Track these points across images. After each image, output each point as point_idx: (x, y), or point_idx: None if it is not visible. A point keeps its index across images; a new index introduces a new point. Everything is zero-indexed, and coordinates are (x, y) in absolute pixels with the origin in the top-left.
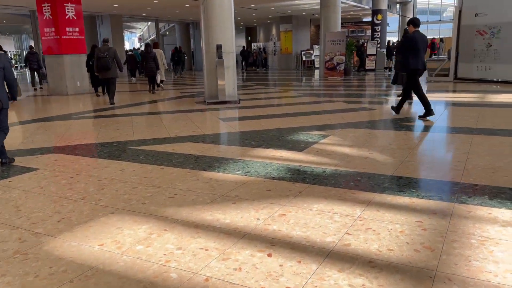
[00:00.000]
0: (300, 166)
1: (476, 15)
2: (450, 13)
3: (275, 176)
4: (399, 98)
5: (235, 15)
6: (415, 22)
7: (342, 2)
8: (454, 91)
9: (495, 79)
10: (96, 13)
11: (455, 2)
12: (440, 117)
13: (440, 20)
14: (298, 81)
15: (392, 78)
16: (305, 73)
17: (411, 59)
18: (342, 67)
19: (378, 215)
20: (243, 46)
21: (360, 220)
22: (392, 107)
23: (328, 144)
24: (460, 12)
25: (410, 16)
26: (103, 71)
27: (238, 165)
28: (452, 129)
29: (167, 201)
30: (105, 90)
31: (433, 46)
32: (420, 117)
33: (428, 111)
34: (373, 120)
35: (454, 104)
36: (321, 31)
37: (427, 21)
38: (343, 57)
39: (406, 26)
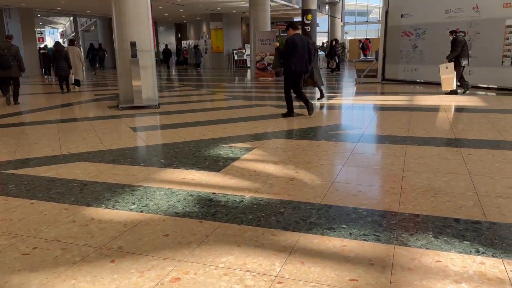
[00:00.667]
0: (213, 194)
1: (402, 16)
2: (376, 14)
3: (179, 211)
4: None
5: (161, 10)
6: (293, 25)
7: (272, 1)
8: (383, 93)
9: (421, 80)
10: (2, 6)
11: (381, 3)
12: (370, 124)
13: (367, 21)
14: (228, 82)
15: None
16: (236, 73)
17: (291, 62)
18: (270, 68)
19: (302, 272)
20: (166, 45)
21: (279, 283)
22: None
23: (251, 160)
24: (387, 12)
25: (339, 16)
26: (2, 69)
27: (135, 196)
28: (384, 138)
29: (18, 261)
30: (3, 91)
31: (364, 47)
32: (282, 115)
33: (290, 111)
34: (302, 129)
35: (383, 108)
36: (251, 30)
37: (355, 22)
38: (273, 57)
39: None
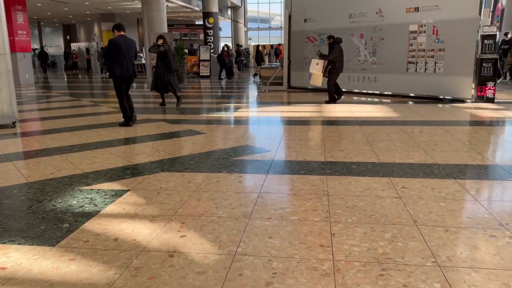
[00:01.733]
0: None
1: (305, 20)
2: (278, 22)
3: None
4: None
5: (41, 8)
6: (119, 27)
7: (169, 1)
8: (290, 103)
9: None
10: None
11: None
12: (280, 145)
13: (270, 27)
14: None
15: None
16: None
17: (115, 65)
18: None
19: None
20: (42, 47)
21: None
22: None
23: (115, 215)
24: (290, 17)
25: (241, 21)
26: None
27: None
28: (299, 166)
29: None
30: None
31: (277, 52)
32: (120, 124)
33: (127, 120)
34: (199, 154)
35: (292, 121)
36: (145, 32)
37: (258, 27)
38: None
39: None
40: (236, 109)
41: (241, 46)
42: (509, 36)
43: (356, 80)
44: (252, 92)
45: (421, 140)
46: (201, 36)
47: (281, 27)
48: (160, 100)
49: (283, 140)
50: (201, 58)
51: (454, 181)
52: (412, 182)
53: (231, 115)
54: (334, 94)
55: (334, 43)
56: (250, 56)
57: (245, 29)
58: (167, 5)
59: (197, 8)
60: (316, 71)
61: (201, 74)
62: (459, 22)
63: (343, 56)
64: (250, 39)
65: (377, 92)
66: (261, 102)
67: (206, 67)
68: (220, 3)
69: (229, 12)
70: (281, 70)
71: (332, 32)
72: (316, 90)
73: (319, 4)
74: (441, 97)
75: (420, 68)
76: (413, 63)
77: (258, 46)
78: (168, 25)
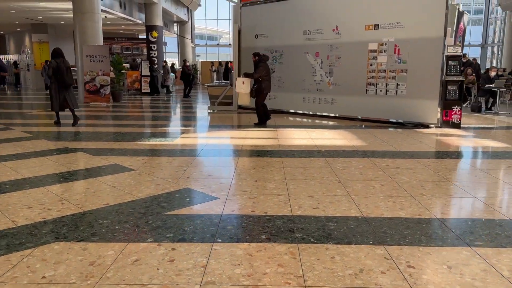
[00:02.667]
0: None
1: (256, 36)
2: (226, 39)
3: None
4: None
5: None
6: None
7: (107, 12)
8: (240, 127)
9: (282, 109)
10: None
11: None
12: (231, 189)
13: (218, 44)
14: (44, 109)
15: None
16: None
17: None
18: (108, 90)
19: None
20: None
21: None
22: None
23: None
24: (239, 32)
25: (188, 37)
26: None
27: None
28: (258, 226)
29: None
30: None
31: (230, 69)
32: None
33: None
34: (118, 206)
35: (246, 153)
36: (77, 44)
37: (206, 44)
38: (108, 78)
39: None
40: (179, 134)
41: (188, 62)
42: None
43: (312, 102)
44: (200, 112)
45: (402, 179)
46: (145, 51)
47: (230, 44)
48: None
49: (235, 180)
50: (143, 74)
51: (471, 252)
52: (418, 256)
53: (171, 142)
54: (263, 115)
55: (260, 61)
56: (198, 72)
57: (193, 45)
58: (105, 16)
59: (139, 21)
60: (243, 90)
61: (142, 90)
62: (423, 41)
63: (270, 75)
64: (198, 55)
65: (334, 114)
66: (209, 125)
67: (148, 83)
68: (166, 17)
69: (175, 27)
70: (231, 88)
71: (286, 49)
72: (270, 111)
73: (271, 19)
74: (403, 121)
75: (381, 90)
76: (373, 84)
77: (227, 62)
78: (108, 38)
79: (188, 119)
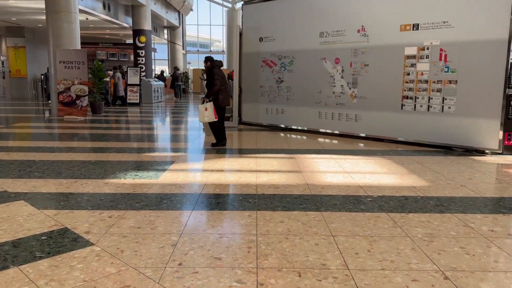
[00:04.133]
0: None
1: (261, 39)
2: (217, 47)
3: None
4: None
5: None
6: None
7: (88, 13)
8: (245, 152)
9: (291, 127)
10: None
11: (224, 30)
12: None
13: (210, 51)
14: (15, 121)
15: None
16: (39, 107)
17: None
18: (86, 101)
19: None
20: None
21: None
22: None
23: None
24: (240, 35)
25: (179, 43)
26: None
27: None
28: None
29: None
30: None
31: (230, 79)
32: None
33: None
34: None
35: (262, 199)
36: (49, 48)
37: (198, 50)
38: (86, 88)
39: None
40: (166, 165)
41: (179, 69)
42: None
43: (330, 118)
44: (193, 129)
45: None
46: (132, 57)
47: (223, 51)
48: None
49: (261, 272)
50: (128, 82)
51: None
52: None
53: (154, 181)
54: (220, 134)
55: (214, 67)
56: (190, 80)
57: (184, 52)
58: (87, 18)
59: (126, 25)
60: (208, 119)
61: (128, 101)
62: (480, 45)
63: (227, 85)
64: (189, 63)
65: (359, 134)
66: (205, 150)
67: (135, 92)
68: (155, 21)
69: (166, 33)
70: (230, 100)
71: (298, 55)
72: (278, 128)
73: (278, 19)
74: (450, 145)
75: (421, 106)
76: (411, 98)
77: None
78: (92, 43)
79: (178, 139)
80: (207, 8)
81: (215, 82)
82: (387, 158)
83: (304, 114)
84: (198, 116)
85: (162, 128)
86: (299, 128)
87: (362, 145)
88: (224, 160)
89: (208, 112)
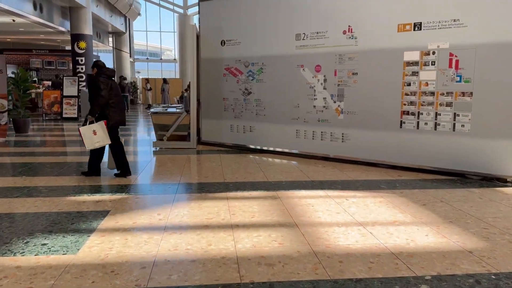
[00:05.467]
0: None
1: (223, 43)
2: (167, 56)
3: None
4: None
5: None
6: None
7: (14, 14)
8: (210, 189)
9: (261, 147)
10: None
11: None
12: None
13: (161, 59)
14: None
15: None
16: None
17: None
18: (4, 119)
19: None
20: None
21: None
22: None
23: None
24: (198, 38)
25: (126, 50)
26: None
27: None
28: None
29: None
30: None
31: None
32: None
33: None
34: None
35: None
36: None
37: (147, 58)
38: (5, 102)
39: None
40: (91, 221)
41: (125, 79)
42: None
43: (310, 137)
44: (140, 153)
45: None
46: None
47: (175, 59)
48: None
49: None
50: (64, 94)
51: None
52: None
53: (67, 260)
54: (94, 162)
55: (100, 75)
56: (139, 91)
57: (131, 60)
58: (13, 20)
59: (63, 29)
60: (99, 144)
61: (64, 115)
62: (501, 49)
63: (120, 97)
64: (139, 72)
65: (347, 157)
66: (154, 186)
67: (72, 105)
68: (98, 26)
69: (111, 39)
70: (187, 116)
71: (270, 61)
72: (239, 148)
73: (245, 18)
74: (462, 171)
75: (426, 123)
76: (413, 114)
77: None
78: (24, 50)
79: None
80: (157, 13)
81: (101, 93)
82: (397, 193)
83: (278, 132)
84: (84, 143)
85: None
86: (272, 149)
87: (355, 172)
88: (183, 204)
89: (99, 134)
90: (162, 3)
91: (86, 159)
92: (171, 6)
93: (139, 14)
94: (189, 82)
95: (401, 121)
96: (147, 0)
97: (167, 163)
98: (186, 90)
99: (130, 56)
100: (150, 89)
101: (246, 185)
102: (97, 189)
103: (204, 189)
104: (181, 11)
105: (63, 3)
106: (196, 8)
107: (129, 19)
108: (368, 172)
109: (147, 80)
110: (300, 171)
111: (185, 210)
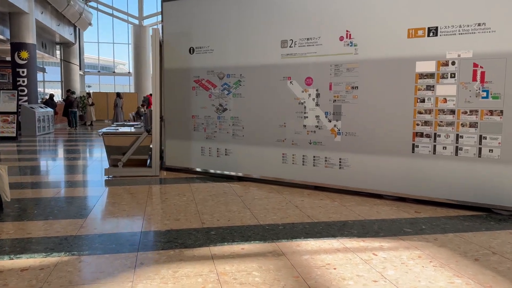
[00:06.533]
0: None
1: (191, 50)
2: (121, 70)
3: None
4: None
5: None
6: None
7: None
8: (186, 243)
9: (240, 174)
10: None
11: (131, 47)
12: None
13: (114, 72)
14: None
15: None
16: None
17: None
18: None
19: None
20: None
21: None
22: None
23: None
24: (161, 44)
25: (76, 62)
26: None
27: None
28: None
29: None
30: None
31: (147, 103)
32: None
33: None
34: None
35: None
36: None
37: (99, 71)
38: None
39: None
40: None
41: (74, 93)
42: None
43: (300, 163)
44: (90, 183)
45: None
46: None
47: (129, 72)
48: None
49: None
50: (0, 110)
51: None
52: None
53: None
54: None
55: None
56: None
57: (81, 72)
58: None
59: (1, 36)
60: None
61: (0, 135)
62: None
63: None
64: (89, 86)
65: (346, 187)
66: (100, 239)
67: (11, 123)
68: (44, 36)
69: (59, 50)
70: (148, 137)
71: (248, 73)
72: (212, 175)
73: (218, 21)
74: (490, 206)
75: (445, 148)
76: (428, 136)
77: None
78: None
79: (64, 212)
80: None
81: None
82: (431, 241)
83: (260, 156)
84: None
85: (37, 186)
86: (254, 176)
87: (361, 208)
88: (149, 272)
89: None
90: (115, 13)
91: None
92: (125, 17)
93: (90, 24)
94: (144, 97)
95: (413, 144)
96: (99, 10)
97: (123, 199)
98: (142, 105)
99: (80, 69)
100: (92, 104)
101: (234, 232)
102: (20, 246)
103: (177, 241)
104: (136, 21)
105: (3, 9)
106: (153, 19)
107: (79, 29)
108: (377, 207)
109: (88, 94)
110: (295, 207)
111: (153, 284)
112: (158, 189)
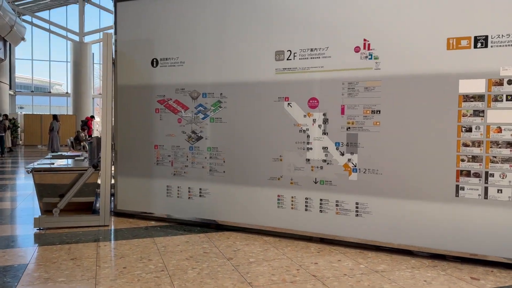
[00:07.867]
0: None
1: (155, 63)
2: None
3: None
4: None
5: None
6: None
7: None
8: None
9: (219, 221)
10: None
11: (69, 65)
12: None
13: (50, 92)
14: None
15: None
16: None
17: None
18: None
19: None
20: None
21: None
22: None
23: None
24: (115, 57)
25: (5, 81)
26: None
27: None
28: None
29: None
30: None
31: (86, 127)
32: None
33: None
34: None
35: None
36: None
37: (32, 91)
38: None
39: None
40: None
41: (6, 116)
42: None
43: (302, 208)
44: (10, 238)
45: None
46: None
47: (67, 92)
48: None
49: None
50: None
51: None
52: None
53: None
54: None
55: None
56: (19, 130)
57: (11, 92)
58: None
59: None
60: None
61: None
62: None
63: None
64: (22, 107)
65: (364, 240)
66: None
67: None
68: None
69: None
70: (95, 173)
71: (232, 92)
72: (181, 223)
73: (191, 26)
74: None
75: (500, 191)
76: (477, 175)
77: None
78: None
79: None
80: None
81: None
82: None
83: (247, 199)
84: None
85: None
86: (238, 225)
87: (399, 274)
88: None
89: None
90: (53, 28)
91: None
92: (64, 32)
93: (23, 39)
94: (82, 121)
95: (457, 185)
96: (34, 24)
97: (60, 269)
98: (82, 129)
99: (11, 88)
100: (9, 127)
101: None
102: None
103: None
104: (77, 38)
105: None
106: (94, 36)
107: (10, 44)
108: (419, 272)
109: (5, 116)
110: (313, 277)
111: None
112: (110, 250)
